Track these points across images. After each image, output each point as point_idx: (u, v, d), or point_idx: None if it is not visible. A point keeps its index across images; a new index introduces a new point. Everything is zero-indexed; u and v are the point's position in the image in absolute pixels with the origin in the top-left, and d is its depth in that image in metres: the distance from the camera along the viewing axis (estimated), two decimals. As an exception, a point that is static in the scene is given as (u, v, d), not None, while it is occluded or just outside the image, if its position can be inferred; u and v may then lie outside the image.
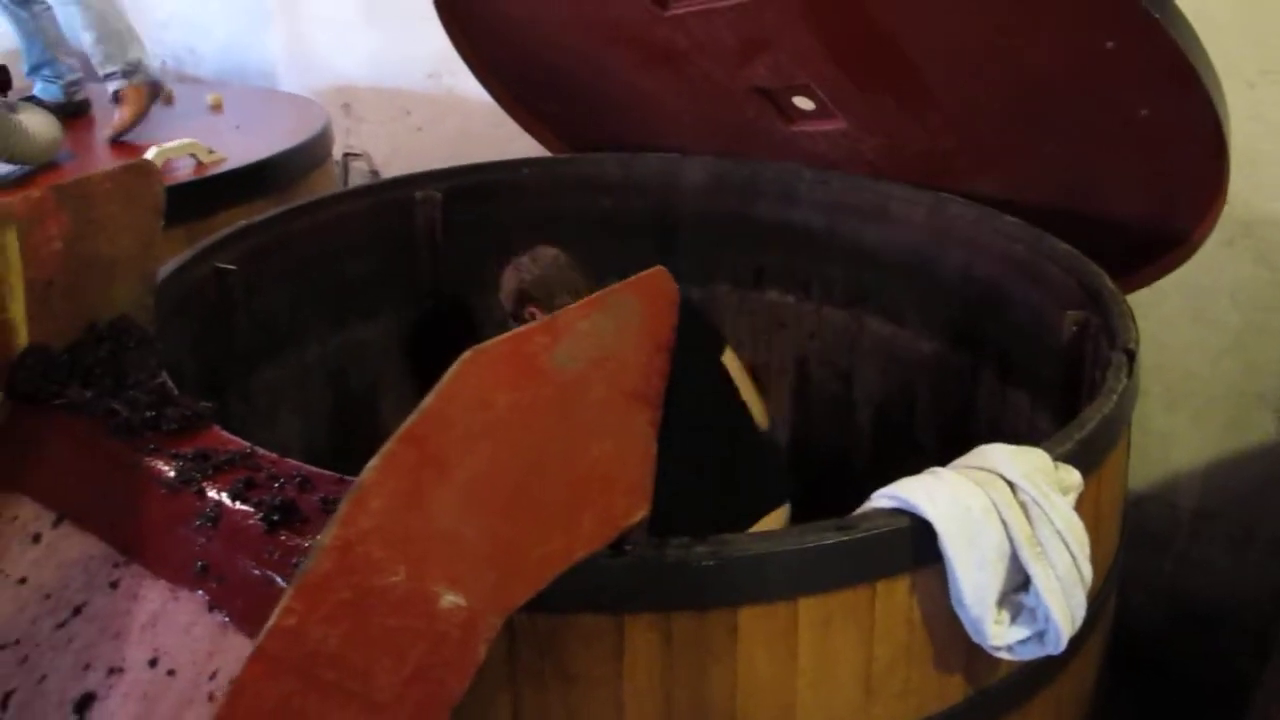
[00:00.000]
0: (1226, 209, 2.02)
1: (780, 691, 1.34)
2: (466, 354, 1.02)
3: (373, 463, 0.95)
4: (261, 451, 1.33)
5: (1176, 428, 2.62)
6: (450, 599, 1.05)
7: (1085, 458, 1.46)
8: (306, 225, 2.32)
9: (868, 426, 2.63)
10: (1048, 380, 2.04)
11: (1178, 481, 2.68)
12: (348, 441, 2.45)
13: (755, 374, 2.70)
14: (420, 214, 2.52)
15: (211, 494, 1.27)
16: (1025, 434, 2.19)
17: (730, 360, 2.35)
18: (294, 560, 1.08)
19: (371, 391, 2.53)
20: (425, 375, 2.60)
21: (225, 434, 1.41)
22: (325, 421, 2.44)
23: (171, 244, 2.17)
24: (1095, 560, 1.39)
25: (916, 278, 2.39)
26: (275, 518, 1.17)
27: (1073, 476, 1.40)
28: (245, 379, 2.20)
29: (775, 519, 2.07)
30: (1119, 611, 1.84)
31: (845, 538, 1.29)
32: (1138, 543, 2.24)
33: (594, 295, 1.15)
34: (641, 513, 1.26)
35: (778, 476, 2.26)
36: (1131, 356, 1.66)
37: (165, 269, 2.00)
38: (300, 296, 2.34)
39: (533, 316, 2.19)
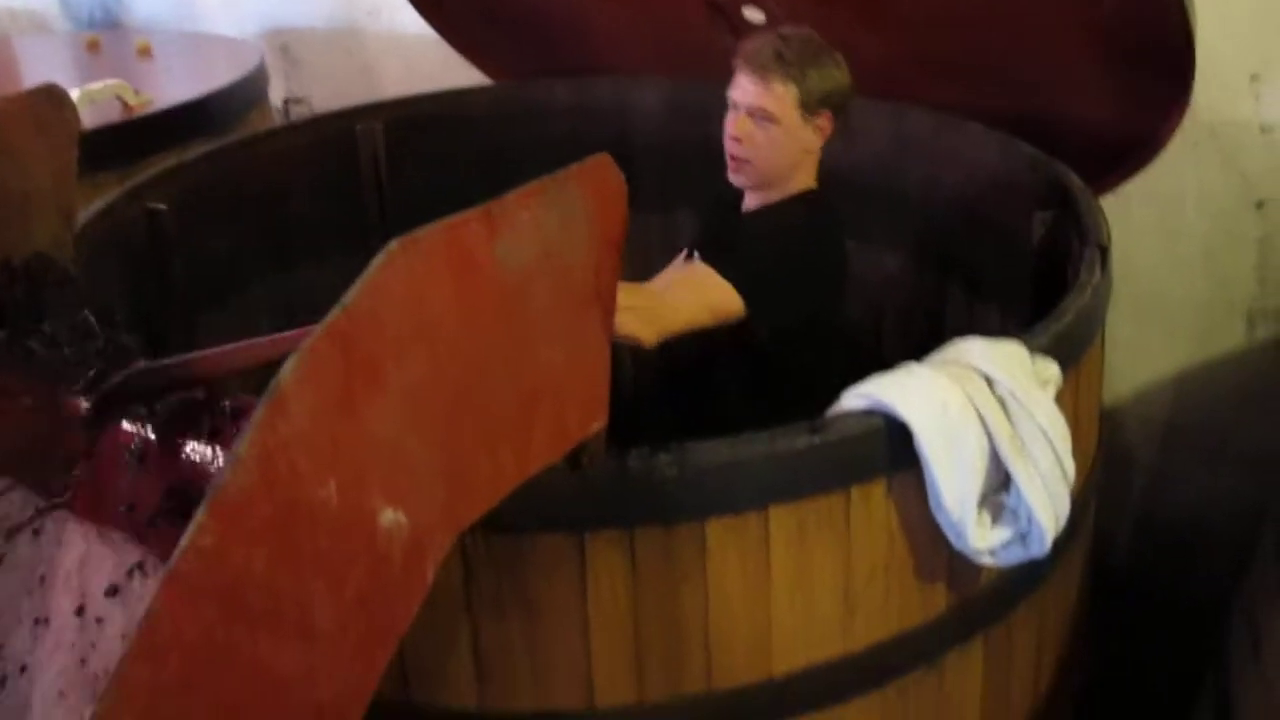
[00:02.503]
0: (1190, 112, 1.94)
1: (754, 609, 1.26)
2: (394, 243, 0.91)
3: (290, 363, 0.84)
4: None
5: (1146, 340, 2.55)
6: (391, 517, 0.95)
7: (1063, 351, 1.38)
8: (243, 163, 2.20)
9: (834, 348, 2.54)
10: (1018, 290, 1.96)
11: (1149, 396, 2.61)
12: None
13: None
14: (363, 149, 2.39)
15: (136, 430, 1.16)
16: (996, 346, 2.12)
17: None
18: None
19: (322, 337, 2.42)
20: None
21: (151, 368, 1.31)
22: (273, 369, 2.32)
23: (102, 192, 2.06)
24: (1076, 462, 1.31)
25: (879, 192, 2.30)
26: (205, 450, 1.08)
27: (1051, 369, 1.32)
28: (187, 325, 2.08)
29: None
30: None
31: (818, 440, 1.20)
32: (1109, 459, 2.17)
33: (533, 184, 1.05)
34: (598, 424, 1.17)
35: None
36: (1105, 252, 1.57)
37: (91, 209, 1.88)
38: (241, 238, 2.22)
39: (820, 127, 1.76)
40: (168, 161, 2.22)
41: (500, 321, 1.03)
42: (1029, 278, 1.88)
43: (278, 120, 3.09)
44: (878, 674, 1.36)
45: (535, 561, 1.20)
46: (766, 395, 1.78)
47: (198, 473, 1.11)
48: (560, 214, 1.07)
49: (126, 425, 1.18)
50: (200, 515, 0.82)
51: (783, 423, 1.25)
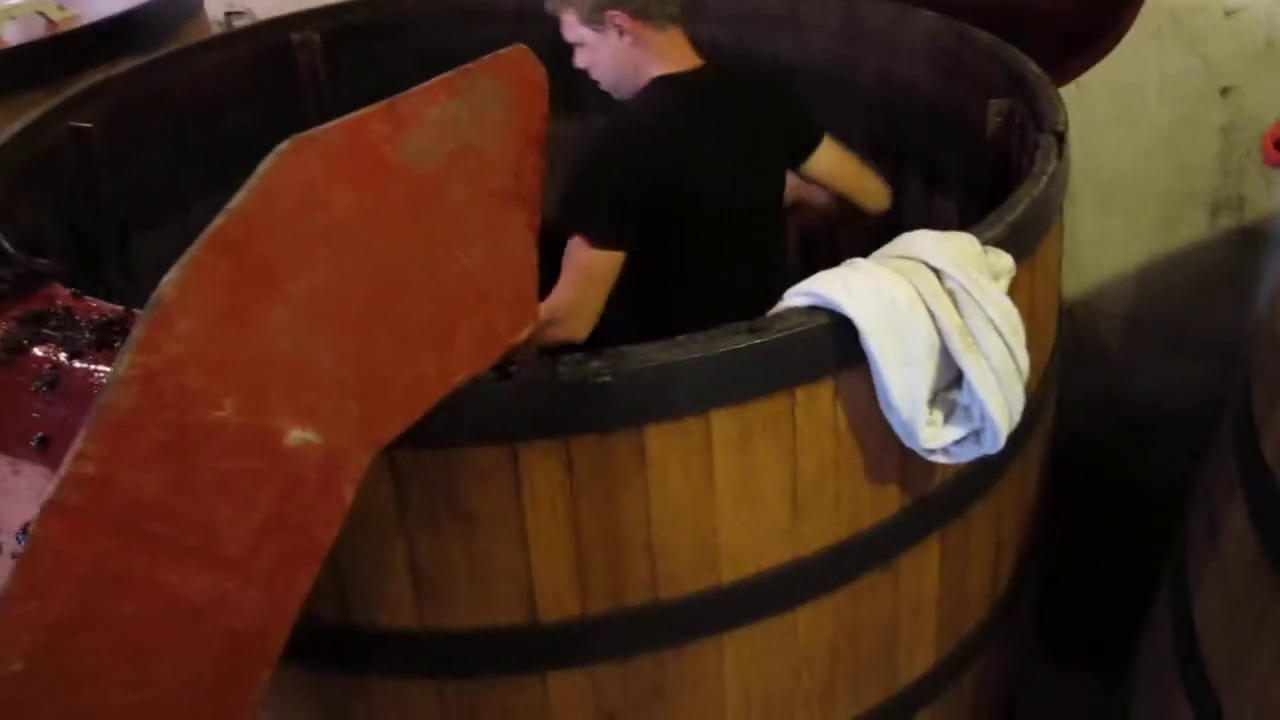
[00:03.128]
0: (1151, -1, 1.86)
1: (699, 515, 1.21)
2: (286, 143, 0.84)
3: (171, 275, 0.77)
4: (106, 305, 1.15)
5: (1108, 231, 2.49)
6: (299, 435, 0.89)
7: (1016, 242, 1.31)
8: (175, 77, 2.09)
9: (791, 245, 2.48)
10: (974, 182, 1.89)
11: (1110, 287, 2.56)
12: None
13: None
14: (300, 59, 2.28)
15: (47, 355, 1.09)
16: (954, 242, 2.05)
17: (822, 158, 1.89)
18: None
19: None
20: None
21: (67, 291, 1.23)
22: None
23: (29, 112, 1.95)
24: (1032, 356, 1.26)
25: (833, 85, 2.21)
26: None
27: (1003, 261, 1.25)
28: (122, 249, 1.99)
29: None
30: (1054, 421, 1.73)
31: (758, 340, 1.14)
32: (1070, 352, 2.12)
33: (442, 77, 0.97)
34: (527, 328, 1.10)
35: None
36: (1061, 138, 1.50)
37: (10, 129, 1.78)
38: (178, 155, 2.12)
39: (617, 24, 1.76)
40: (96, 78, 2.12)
41: (412, 223, 0.96)
42: (985, 166, 1.81)
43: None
44: (830, 578, 1.32)
45: (469, 475, 1.14)
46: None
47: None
48: (473, 108, 0.99)
49: (38, 351, 1.11)
50: (80, 441, 0.76)
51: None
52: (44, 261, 1.29)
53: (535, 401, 1.11)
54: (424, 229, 0.97)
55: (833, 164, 1.91)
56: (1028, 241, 1.36)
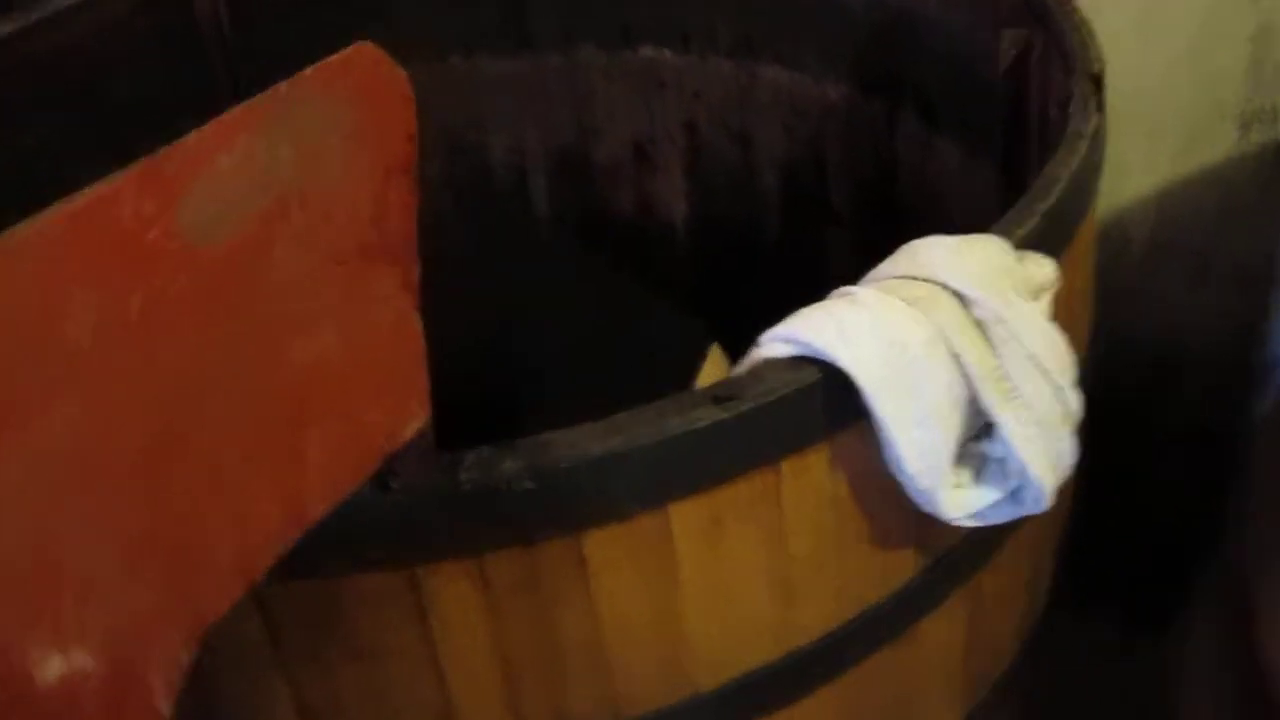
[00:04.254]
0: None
1: (661, 624, 0.91)
2: (-38, 255, 0.52)
3: None
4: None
5: (1127, 152, 2.14)
6: (59, 664, 0.59)
7: (1055, 235, 1.00)
8: (55, 43, 1.73)
9: (773, 194, 2.14)
10: (982, 123, 1.56)
11: (1130, 212, 2.23)
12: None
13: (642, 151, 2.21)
14: (199, 7, 1.92)
15: None
16: (959, 193, 1.72)
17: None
18: None
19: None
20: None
21: None
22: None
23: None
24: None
25: (813, 10, 1.86)
26: None
27: (1044, 270, 0.94)
28: None
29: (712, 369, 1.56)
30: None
31: (725, 415, 0.83)
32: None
33: (237, 110, 0.64)
34: (414, 423, 0.80)
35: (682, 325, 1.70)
36: (1099, 83, 1.17)
37: None
38: (65, 133, 1.77)
39: None
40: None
41: (210, 322, 0.64)
42: (997, 107, 1.48)
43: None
44: (835, 664, 1.03)
45: (356, 606, 0.85)
46: None
47: None
48: (296, 144, 0.66)
49: None
50: None
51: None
52: None
53: (432, 519, 0.81)
54: (233, 325, 0.65)
55: None
56: (1068, 228, 1.04)
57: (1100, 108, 1.12)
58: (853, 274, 2.00)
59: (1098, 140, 1.08)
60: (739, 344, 1.74)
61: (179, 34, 1.91)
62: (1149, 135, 2.10)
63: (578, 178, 2.23)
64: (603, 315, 1.57)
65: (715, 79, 2.06)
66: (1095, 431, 1.31)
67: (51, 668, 0.58)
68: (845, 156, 1.96)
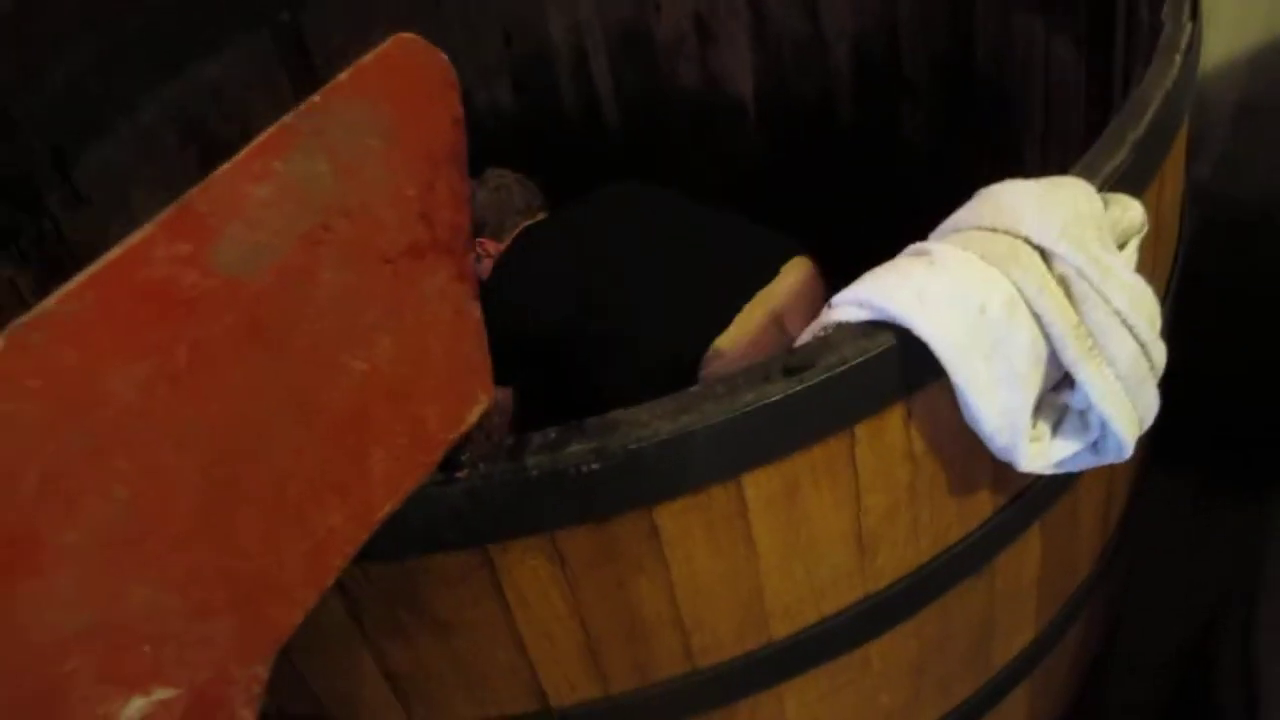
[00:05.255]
0: None
1: (737, 582, 0.90)
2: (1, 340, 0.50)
3: None
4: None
5: (1216, 7, 1.99)
6: (141, 703, 0.60)
7: (1143, 167, 0.92)
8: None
9: (844, 67, 2.04)
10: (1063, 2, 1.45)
11: (1217, 73, 2.08)
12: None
13: (704, 25, 2.09)
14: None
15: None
16: (1039, 65, 1.61)
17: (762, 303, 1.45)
18: None
19: (246, 134, 1.96)
20: (307, 95, 2.03)
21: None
22: (194, 184, 1.89)
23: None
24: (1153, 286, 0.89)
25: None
26: None
27: (1131, 213, 0.87)
28: (63, 174, 1.66)
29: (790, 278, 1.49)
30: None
31: (800, 386, 0.79)
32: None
33: (269, 133, 0.60)
34: (475, 409, 0.78)
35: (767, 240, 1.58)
36: (1195, -16, 1.06)
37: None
38: (105, 49, 1.72)
39: (485, 252, 1.76)
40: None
41: (262, 356, 0.62)
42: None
43: None
44: (909, 605, 1.02)
45: (435, 583, 0.85)
46: None
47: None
48: (333, 156, 0.63)
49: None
50: None
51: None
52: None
53: (502, 501, 0.79)
54: (285, 354, 0.63)
55: None
56: (1158, 155, 0.96)
57: (1195, 15, 1.02)
58: (927, 146, 1.92)
59: (1192, 54, 0.99)
60: (813, 225, 1.69)
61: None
62: (1244, -11, 1.94)
63: (639, 55, 2.14)
64: (684, 241, 1.52)
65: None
66: (1184, 296, 1.25)
67: (133, 708, 0.59)
68: (919, 26, 1.84)
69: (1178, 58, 0.96)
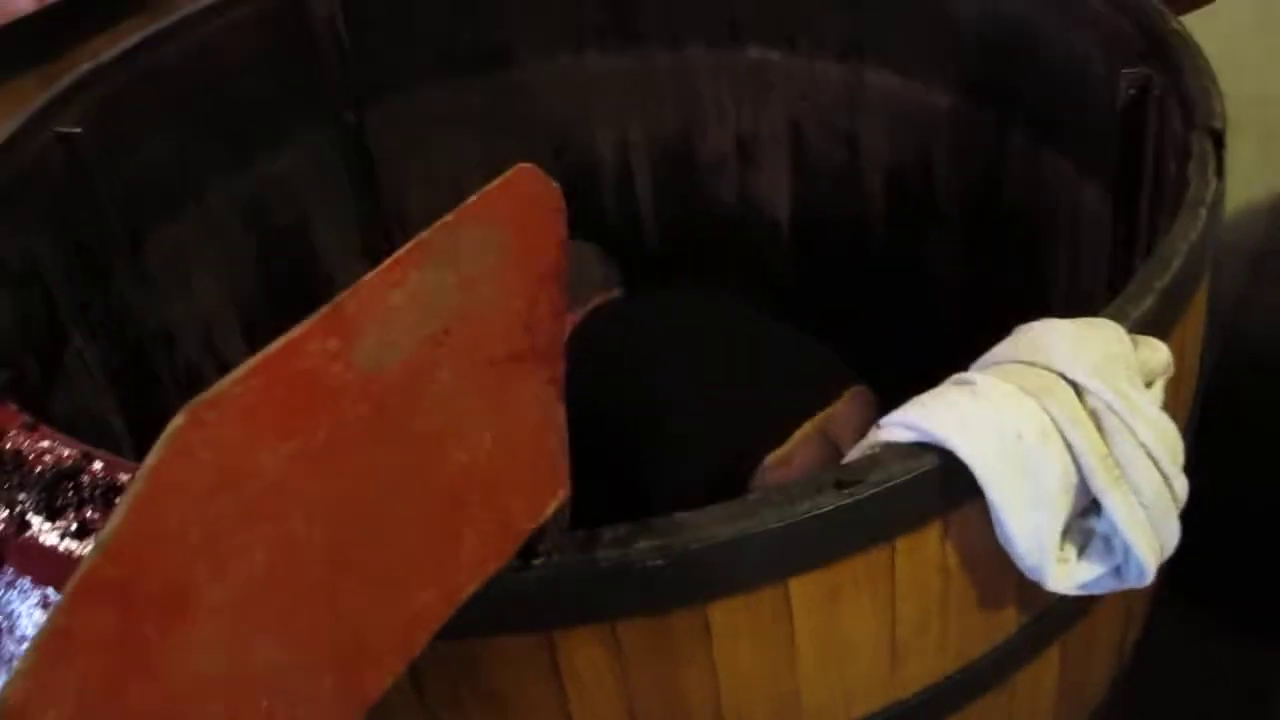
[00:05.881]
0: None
1: (776, 680, 0.97)
2: (180, 416, 0.58)
3: (21, 663, 0.54)
4: (61, 441, 0.91)
5: (1239, 160, 2.09)
6: (252, 752, 0.67)
7: (1170, 311, 1.02)
8: (171, 54, 1.79)
9: (879, 196, 2.15)
10: (1095, 145, 1.55)
11: (1240, 220, 2.19)
12: (285, 285, 2.03)
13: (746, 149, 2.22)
14: (316, 8, 1.97)
15: (-6, 514, 0.87)
16: (1067, 207, 1.72)
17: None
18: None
19: (302, 224, 2.07)
20: (363, 192, 2.15)
21: (20, 417, 0.99)
22: (251, 268, 1.99)
23: (21, 97, 1.70)
24: (1175, 416, 0.97)
25: (923, 18, 1.85)
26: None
27: (1158, 355, 0.96)
28: (135, 251, 1.76)
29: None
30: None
31: (849, 500, 0.87)
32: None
33: (409, 247, 0.69)
34: (555, 502, 0.85)
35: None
36: (1219, 141, 1.17)
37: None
38: (184, 138, 1.84)
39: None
40: (96, 49, 1.83)
41: (384, 442, 0.70)
42: (1110, 137, 1.47)
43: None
44: (932, 714, 1.08)
45: (497, 664, 0.92)
46: None
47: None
48: (458, 270, 0.72)
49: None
50: None
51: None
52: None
53: (571, 590, 0.87)
54: (402, 441, 0.71)
55: None
56: (1182, 303, 1.05)
57: (1220, 172, 1.12)
58: (955, 275, 2.00)
59: (1216, 209, 1.09)
60: (841, 343, 1.77)
61: (295, 37, 1.96)
62: (1263, 142, 2.06)
63: (682, 173, 2.26)
64: (750, 353, 1.60)
65: (822, 81, 2.07)
66: (1202, 436, 1.32)
67: (248, 757, 0.66)
68: (953, 163, 1.96)
69: (1203, 212, 1.06)
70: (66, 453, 0.89)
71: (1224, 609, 2.10)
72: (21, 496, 0.89)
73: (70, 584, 0.54)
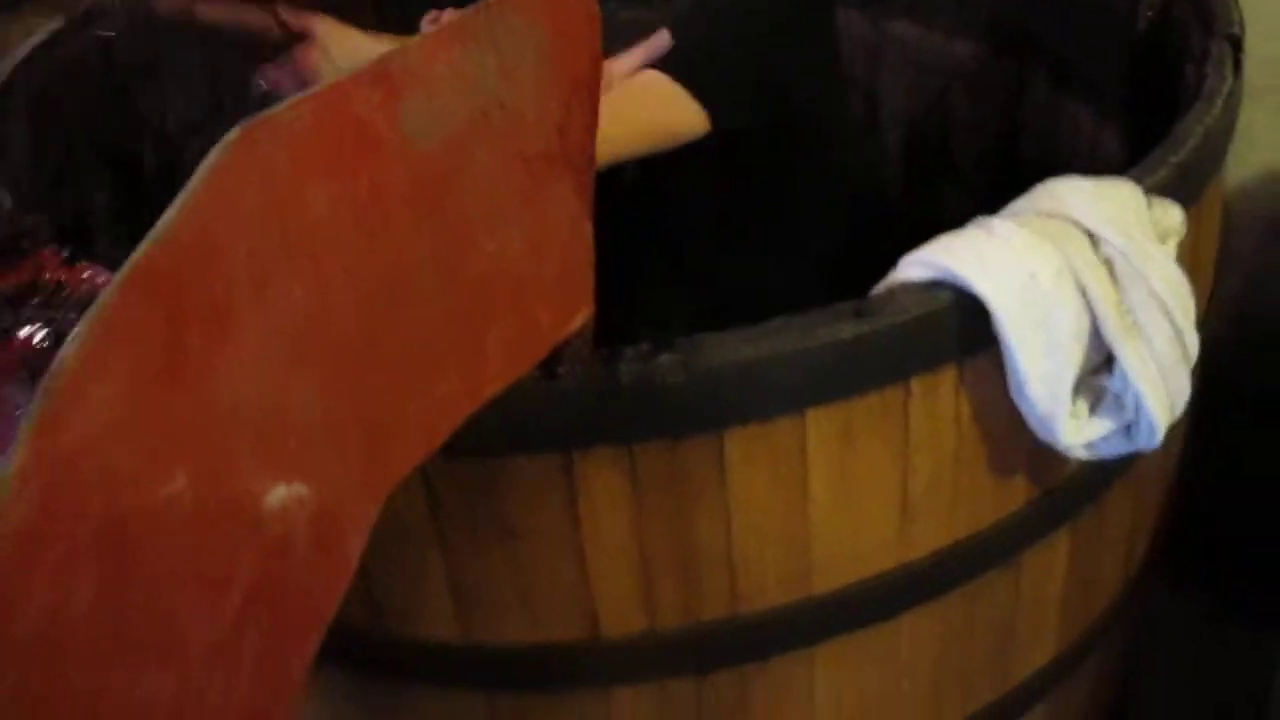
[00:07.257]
0: None
1: (788, 527, 0.99)
2: (235, 132, 0.60)
3: (74, 334, 0.56)
4: (99, 271, 0.94)
5: (1254, 124, 2.12)
6: (281, 493, 0.68)
7: (1185, 187, 1.03)
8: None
9: (897, 152, 2.18)
10: (1114, 87, 1.58)
11: (1251, 187, 2.21)
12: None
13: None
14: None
15: (31, 341, 0.89)
16: (1086, 154, 1.74)
17: None
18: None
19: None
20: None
21: (58, 256, 1.02)
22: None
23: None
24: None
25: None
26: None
27: (1171, 216, 0.98)
28: (170, 170, 1.78)
29: None
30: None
31: (867, 328, 0.89)
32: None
33: (449, 21, 0.72)
34: (580, 317, 0.87)
35: None
36: (1237, 45, 1.19)
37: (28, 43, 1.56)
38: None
39: None
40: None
41: (419, 215, 0.72)
42: (1129, 71, 1.50)
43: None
44: (941, 583, 1.09)
45: (513, 486, 0.93)
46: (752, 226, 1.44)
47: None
48: (499, 56, 0.74)
49: (23, 335, 0.91)
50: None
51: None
52: (32, 218, 1.09)
53: (591, 405, 0.89)
54: (436, 219, 0.73)
55: None
56: (1198, 183, 1.07)
57: (1237, 70, 1.15)
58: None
59: (1232, 102, 1.11)
60: (855, 297, 1.79)
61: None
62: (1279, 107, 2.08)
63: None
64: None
65: (843, 32, 2.09)
66: (1200, 400, 1.33)
67: (274, 495, 0.68)
68: (971, 115, 1.98)
69: (1218, 101, 1.08)
70: (103, 278, 0.91)
71: (1232, 592, 2.10)
72: (60, 315, 0.91)
73: (122, 270, 0.56)
